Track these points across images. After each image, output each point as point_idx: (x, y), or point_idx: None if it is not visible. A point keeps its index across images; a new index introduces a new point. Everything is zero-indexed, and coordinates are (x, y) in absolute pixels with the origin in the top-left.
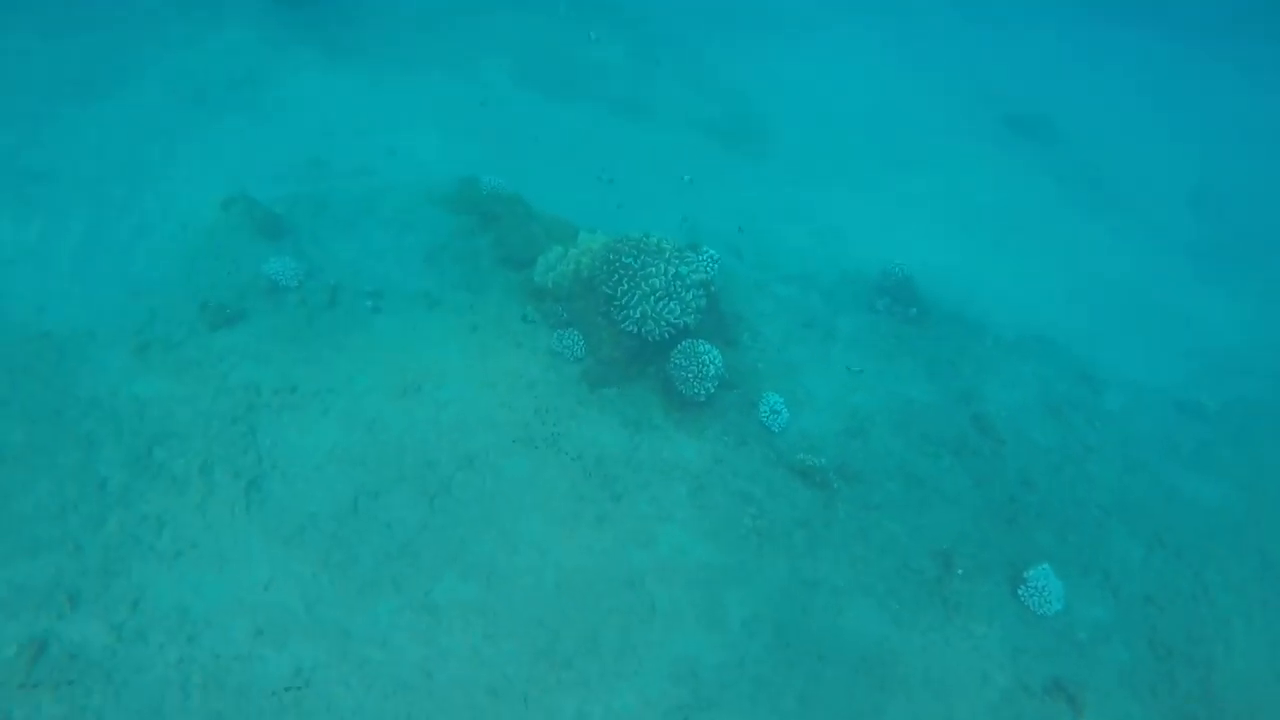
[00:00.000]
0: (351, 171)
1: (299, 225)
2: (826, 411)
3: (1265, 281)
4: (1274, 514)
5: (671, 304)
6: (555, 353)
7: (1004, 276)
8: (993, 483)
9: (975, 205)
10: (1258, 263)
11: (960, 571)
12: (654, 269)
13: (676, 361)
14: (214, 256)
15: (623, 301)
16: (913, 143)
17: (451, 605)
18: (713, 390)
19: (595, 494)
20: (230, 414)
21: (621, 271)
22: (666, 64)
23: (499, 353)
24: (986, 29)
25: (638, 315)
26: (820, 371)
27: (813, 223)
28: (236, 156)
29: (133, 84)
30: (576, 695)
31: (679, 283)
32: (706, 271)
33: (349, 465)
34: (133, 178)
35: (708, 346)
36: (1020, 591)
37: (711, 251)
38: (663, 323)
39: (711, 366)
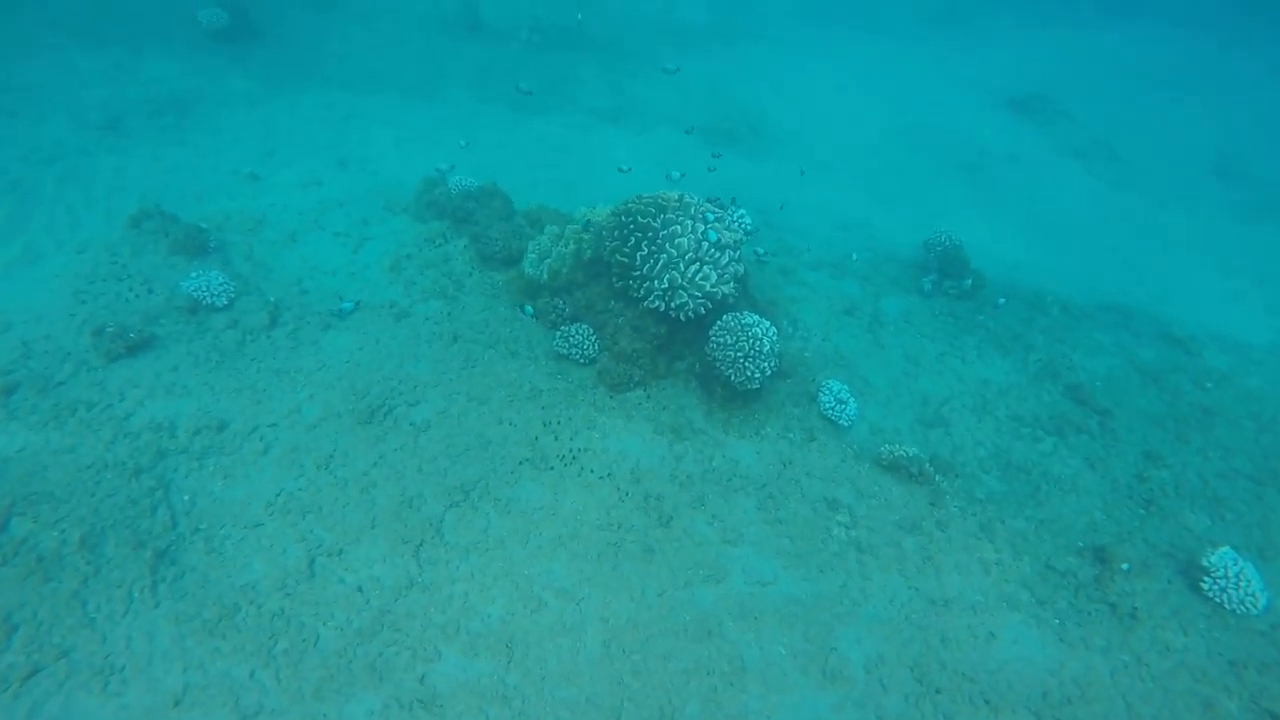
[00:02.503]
0: (296, 185)
1: (230, 242)
2: (893, 402)
3: None
4: None
5: (705, 269)
6: (560, 355)
7: (1044, 251)
8: (1111, 461)
9: (994, 182)
10: None
11: (1126, 567)
12: (680, 227)
13: (719, 340)
14: (116, 279)
15: (644, 271)
16: (918, 127)
17: (460, 694)
18: (768, 373)
19: (636, 520)
20: (130, 465)
21: (640, 234)
22: (640, 76)
23: (488, 362)
24: (974, 33)
25: (664, 285)
26: (874, 359)
27: (828, 213)
28: (157, 179)
29: (31, 113)
30: None
31: (710, 244)
32: (740, 231)
33: (299, 517)
34: (17, 205)
35: (756, 318)
36: (1206, 585)
37: (741, 211)
38: (697, 292)
39: (765, 341)
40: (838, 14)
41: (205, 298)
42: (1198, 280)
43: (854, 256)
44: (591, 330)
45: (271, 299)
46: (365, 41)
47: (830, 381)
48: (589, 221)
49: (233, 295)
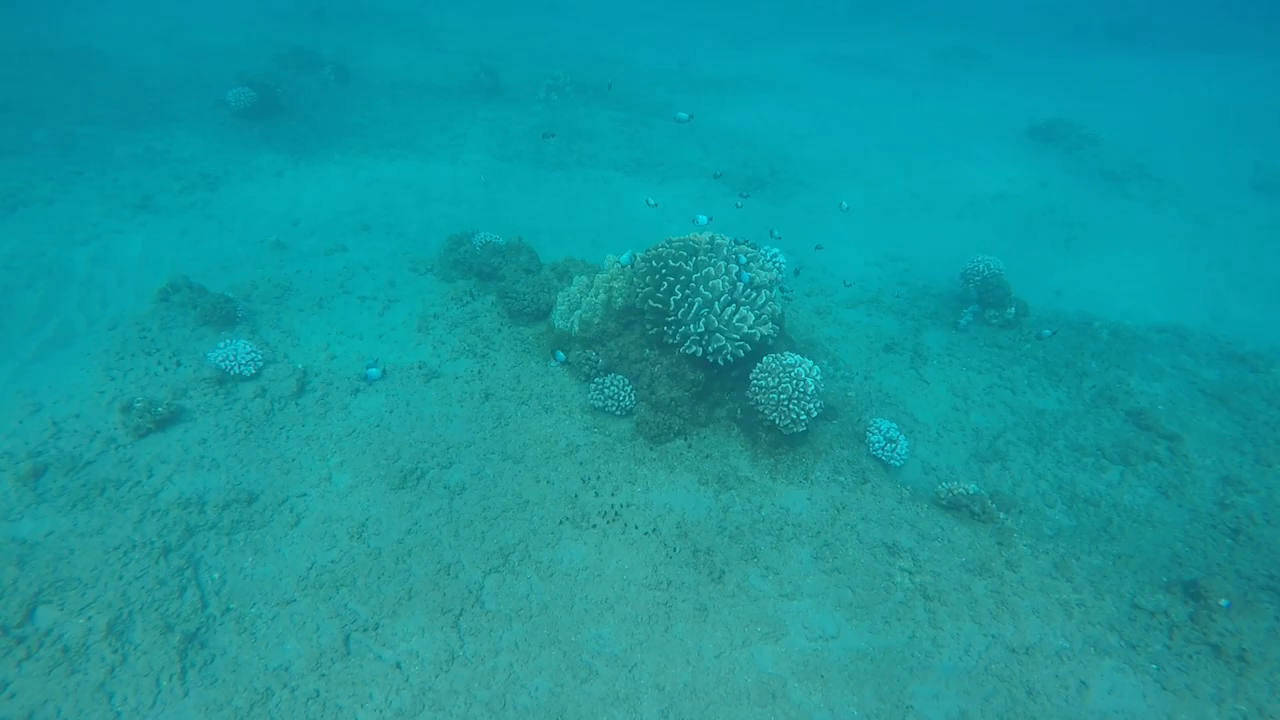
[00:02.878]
0: (321, 251)
1: (257, 311)
2: (944, 438)
3: None
4: None
5: (743, 310)
6: (595, 408)
7: (1086, 275)
8: (1186, 489)
9: (1025, 209)
10: None
11: (1225, 604)
12: (713, 268)
13: (761, 383)
14: (145, 353)
15: (679, 315)
16: (941, 162)
17: None
18: (814, 415)
19: (687, 576)
20: (159, 544)
21: (672, 278)
22: (659, 129)
23: (522, 419)
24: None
25: (701, 329)
26: (920, 395)
27: (859, 251)
28: (185, 253)
29: (67, 199)
30: None
31: (745, 284)
32: (775, 269)
33: (332, 591)
34: (51, 285)
35: (798, 357)
36: None
37: (774, 249)
38: (735, 335)
39: (809, 381)
40: (849, 58)
41: (233, 368)
42: (1251, 295)
43: (896, 293)
44: (627, 381)
45: (299, 366)
46: (387, 111)
47: (878, 420)
48: (634, 256)
49: (260, 364)
